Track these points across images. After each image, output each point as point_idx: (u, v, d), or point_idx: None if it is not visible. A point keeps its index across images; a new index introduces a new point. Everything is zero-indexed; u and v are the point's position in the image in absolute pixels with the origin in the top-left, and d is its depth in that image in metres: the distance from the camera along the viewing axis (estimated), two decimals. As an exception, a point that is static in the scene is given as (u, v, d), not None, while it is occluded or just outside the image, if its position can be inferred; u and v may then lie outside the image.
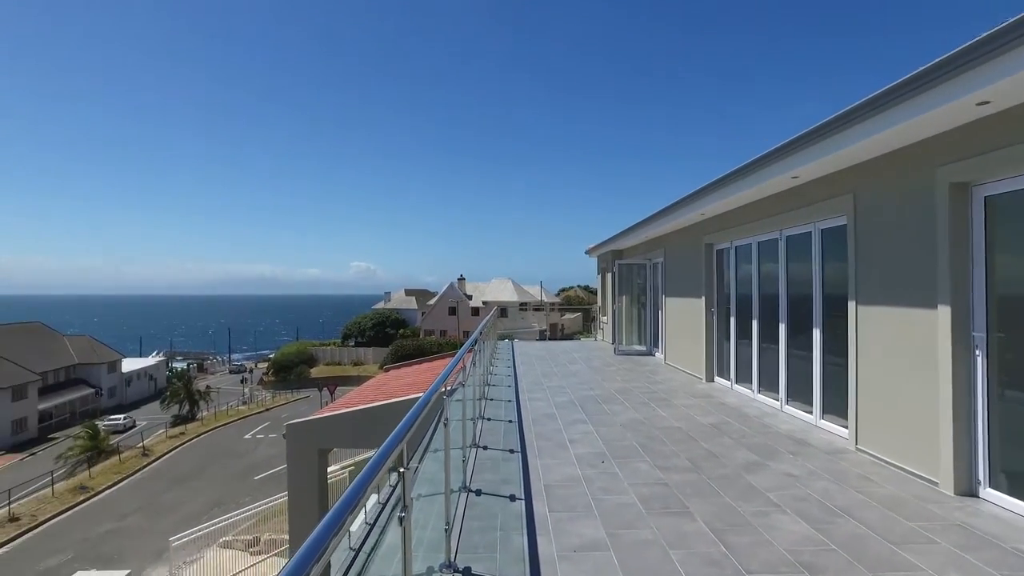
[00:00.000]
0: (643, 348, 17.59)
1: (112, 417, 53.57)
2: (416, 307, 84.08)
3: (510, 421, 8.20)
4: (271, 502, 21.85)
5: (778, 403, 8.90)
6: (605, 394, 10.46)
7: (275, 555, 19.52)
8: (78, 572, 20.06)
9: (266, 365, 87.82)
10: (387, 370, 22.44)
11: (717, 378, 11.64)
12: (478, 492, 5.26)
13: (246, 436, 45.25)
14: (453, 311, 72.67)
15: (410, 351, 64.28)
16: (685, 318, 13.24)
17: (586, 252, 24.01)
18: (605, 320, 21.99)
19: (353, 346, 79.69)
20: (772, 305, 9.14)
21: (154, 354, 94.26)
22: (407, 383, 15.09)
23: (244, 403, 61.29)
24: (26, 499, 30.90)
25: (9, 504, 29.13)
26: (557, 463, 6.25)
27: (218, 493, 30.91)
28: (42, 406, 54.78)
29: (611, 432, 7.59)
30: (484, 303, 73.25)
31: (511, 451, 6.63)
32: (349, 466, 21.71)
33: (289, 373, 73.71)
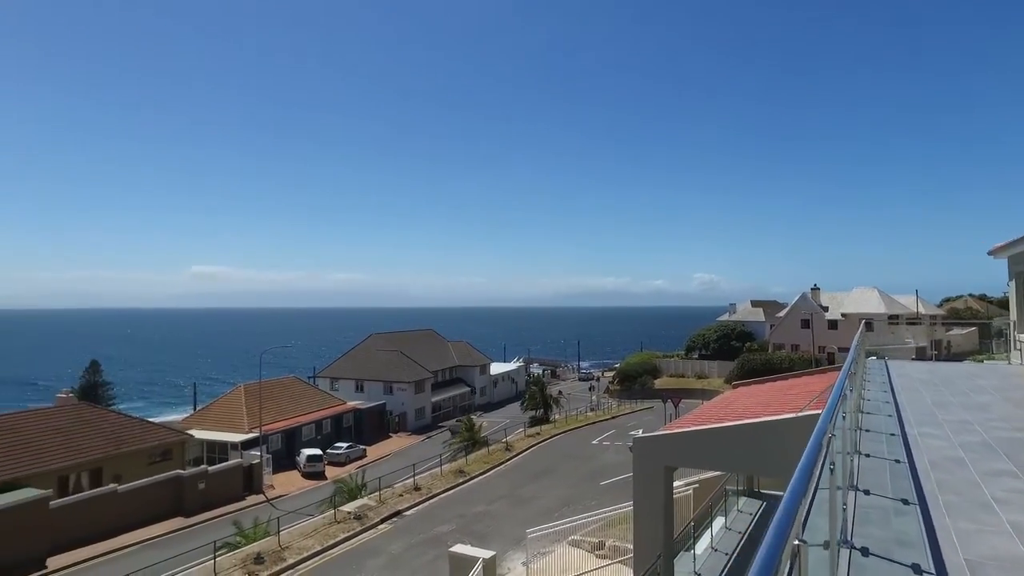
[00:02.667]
0: (1090, 377, 13.09)
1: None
2: (763, 319, 78.86)
3: (896, 461, 6.58)
4: (616, 509, 22.25)
5: None
6: (1038, 437, 7.82)
7: (619, 562, 19.75)
8: (457, 544, 23.21)
9: (612, 374, 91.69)
10: (736, 386, 21.05)
11: None
12: (864, 551, 4.13)
13: (593, 441, 47.60)
14: (806, 324, 65.99)
15: (758, 366, 60.35)
16: None
17: (989, 253, 19.11)
18: (1023, 338, 17.15)
19: (697, 359, 78.26)
20: None
21: (515, 360, 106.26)
22: (759, 402, 13.75)
23: (592, 409, 64.79)
24: (424, 473, 37.33)
25: (414, 475, 35.51)
26: (981, 530, 4.65)
27: (568, 492, 32.94)
28: (434, 399, 66.15)
29: (1061, 493, 5.46)
30: (843, 315, 64.90)
31: (904, 501, 5.20)
32: (693, 483, 20.90)
33: (633, 383, 75.66)
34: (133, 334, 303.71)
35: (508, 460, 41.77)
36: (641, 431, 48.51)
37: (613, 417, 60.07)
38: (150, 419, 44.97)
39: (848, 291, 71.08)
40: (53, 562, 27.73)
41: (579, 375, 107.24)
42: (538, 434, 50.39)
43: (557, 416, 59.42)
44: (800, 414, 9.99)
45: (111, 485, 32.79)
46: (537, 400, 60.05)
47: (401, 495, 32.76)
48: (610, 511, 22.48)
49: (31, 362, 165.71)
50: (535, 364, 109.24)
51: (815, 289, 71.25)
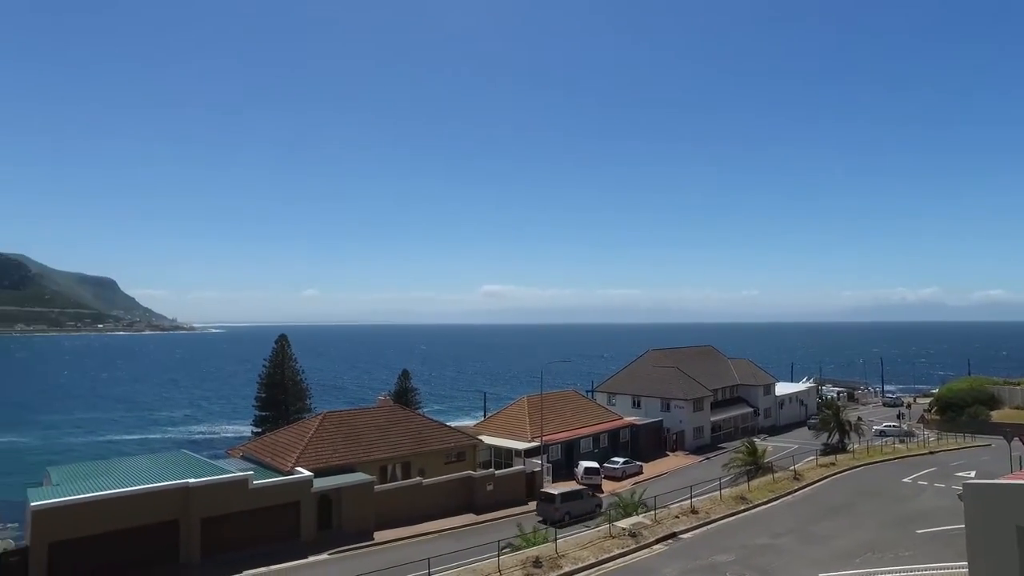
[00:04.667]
0: None
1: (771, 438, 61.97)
2: None
3: None
4: (941, 568, 18.43)
5: None
6: None
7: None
8: (739, 579, 21.45)
9: (928, 401, 78.31)
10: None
11: None
12: None
13: (905, 479, 40.63)
14: None
15: None
16: None
17: None
18: None
19: (1053, 388, 62.70)
20: None
21: (804, 380, 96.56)
22: None
23: (901, 441, 55.71)
24: (702, 496, 35.53)
25: (691, 497, 34.01)
26: None
27: (872, 536, 28.36)
28: (713, 418, 63.05)
29: None
30: None
31: None
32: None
33: (959, 413, 63.51)
34: (432, 347, 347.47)
35: (797, 490, 37.67)
36: (974, 474, 40.01)
37: (931, 452, 50.78)
38: (447, 423, 50.43)
39: None
40: (378, 536, 32.74)
41: (883, 400, 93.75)
42: (833, 464, 44.68)
43: (856, 445, 52.19)
44: None
45: (417, 478, 37.47)
46: (831, 425, 53.53)
47: (677, 516, 31.52)
48: (931, 568, 18.70)
49: (358, 369, 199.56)
50: (828, 385, 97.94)
51: None
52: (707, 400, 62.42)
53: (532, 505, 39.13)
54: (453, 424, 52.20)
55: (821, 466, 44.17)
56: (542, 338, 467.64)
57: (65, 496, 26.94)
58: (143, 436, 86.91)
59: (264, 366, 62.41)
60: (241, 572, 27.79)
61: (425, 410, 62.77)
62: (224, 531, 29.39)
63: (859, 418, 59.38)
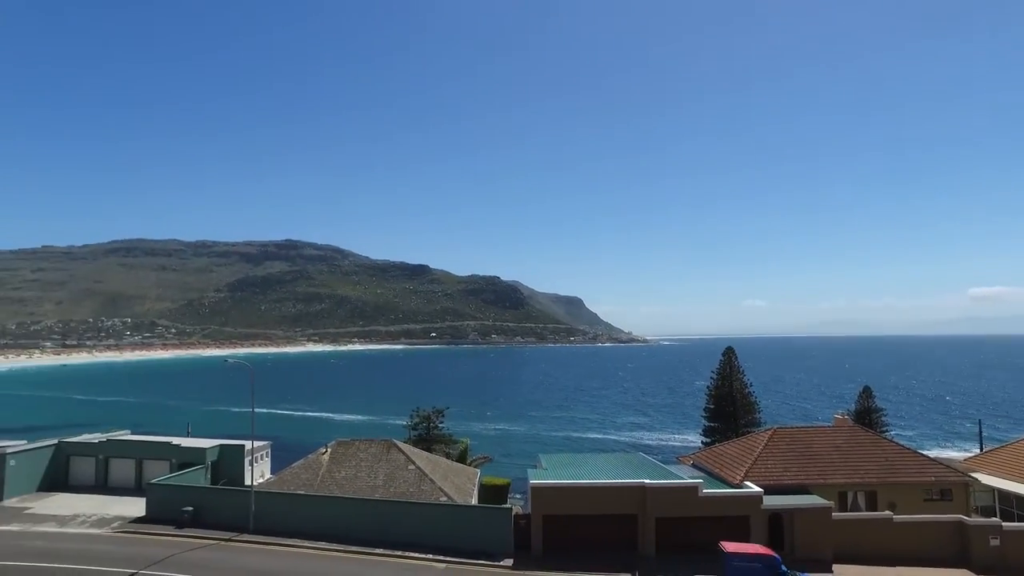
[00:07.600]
0: None
1: None
2: None
3: None
4: None
5: None
6: None
7: None
8: None
9: None
10: None
11: None
12: None
13: None
14: None
15: None
16: None
17: None
18: None
19: None
20: None
21: None
22: None
23: None
24: None
25: None
26: None
27: None
28: None
29: None
30: None
31: None
32: None
33: None
34: (896, 360, 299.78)
35: None
36: None
37: None
38: (923, 452, 42.79)
39: None
40: (837, 569, 29.69)
41: None
42: None
43: None
44: None
45: (886, 512, 32.67)
46: None
47: None
48: None
49: (804, 383, 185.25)
50: None
51: None
52: None
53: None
54: (931, 454, 44.06)
55: None
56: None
57: (554, 479, 32.65)
58: (602, 436, 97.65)
59: (712, 378, 63.50)
60: (694, 575, 28.66)
61: (892, 433, 54.59)
62: (676, 532, 30.94)
63: None
